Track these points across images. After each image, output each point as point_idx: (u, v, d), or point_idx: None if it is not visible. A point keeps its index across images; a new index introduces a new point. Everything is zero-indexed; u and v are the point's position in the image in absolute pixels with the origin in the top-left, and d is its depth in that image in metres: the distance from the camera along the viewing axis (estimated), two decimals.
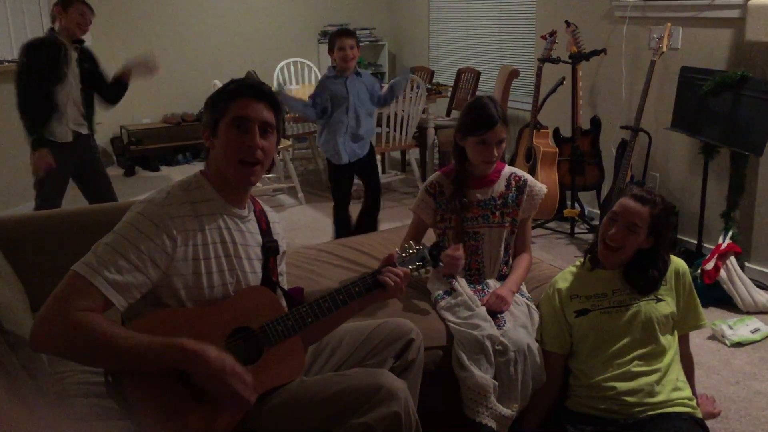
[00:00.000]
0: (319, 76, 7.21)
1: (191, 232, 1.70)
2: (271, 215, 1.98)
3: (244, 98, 1.76)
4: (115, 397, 1.68)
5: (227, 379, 1.58)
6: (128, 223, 1.65)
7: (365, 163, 4.17)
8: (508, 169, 2.57)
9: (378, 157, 5.46)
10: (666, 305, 2.21)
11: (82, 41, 4.04)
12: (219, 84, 5.51)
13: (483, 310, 2.32)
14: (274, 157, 1.85)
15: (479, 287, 2.49)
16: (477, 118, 2.42)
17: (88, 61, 4.06)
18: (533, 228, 4.75)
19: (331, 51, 3.97)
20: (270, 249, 1.90)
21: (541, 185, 2.57)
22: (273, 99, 1.80)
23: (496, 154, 2.43)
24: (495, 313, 2.33)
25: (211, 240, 1.74)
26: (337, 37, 3.91)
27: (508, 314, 2.33)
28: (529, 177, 2.57)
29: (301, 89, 6.57)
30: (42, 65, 3.76)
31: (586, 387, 2.20)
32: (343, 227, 4.27)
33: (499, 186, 2.53)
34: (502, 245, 2.53)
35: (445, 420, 2.23)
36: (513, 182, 2.54)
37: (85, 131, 4.09)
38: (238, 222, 1.82)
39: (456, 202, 2.50)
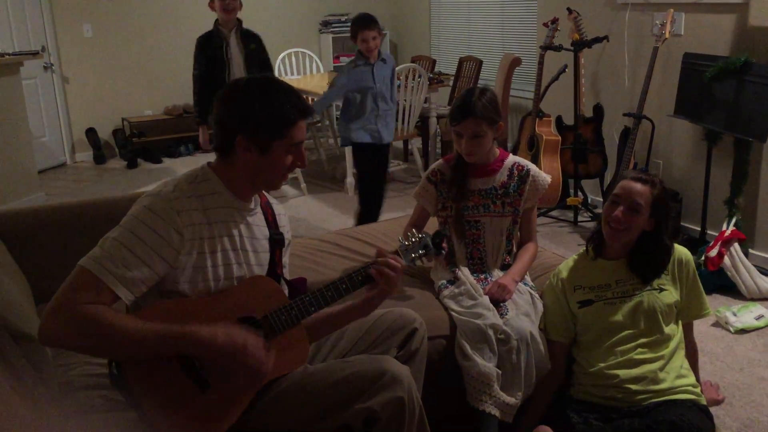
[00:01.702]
0: (320, 67, 7.23)
1: (198, 226, 1.70)
2: (277, 207, 1.98)
3: (302, 120, 1.77)
4: (120, 388, 1.69)
5: (240, 358, 1.61)
6: (135, 217, 1.65)
7: (382, 151, 4.20)
8: (511, 159, 2.55)
9: None
10: (669, 294, 2.21)
11: (240, 21, 4.22)
12: None
13: (486, 299, 2.32)
14: None
15: (482, 276, 2.49)
16: (454, 107, 2.44)
17: (252, 41, 4.23)
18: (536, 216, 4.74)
19: (353, 39, 3.95)
20: (276, 241, 1.90)
21: (545, 175, 2.55)
22: None
23: (471, 147, 2.40)
24: (498, 302, 2.33)
25: (218, 234, 1.74)
26: (359, 29, 3.87)
27: (511, 303, 2.33)
28: (532, 167, 2.55)
29: (302, 79, 6.56)
30: (208, 57, 4.12)
31: (590, 375, 2.20)
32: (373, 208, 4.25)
33: (501, 175, 2.52)
34: (504, 235, 2.52)
35: (449, 409, 2.23)
36: (516, 172, 2.52)
37: None
38: (244, 215, 1.82)
39: (454, 190, 2.50)
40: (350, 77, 4.01)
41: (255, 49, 4.24)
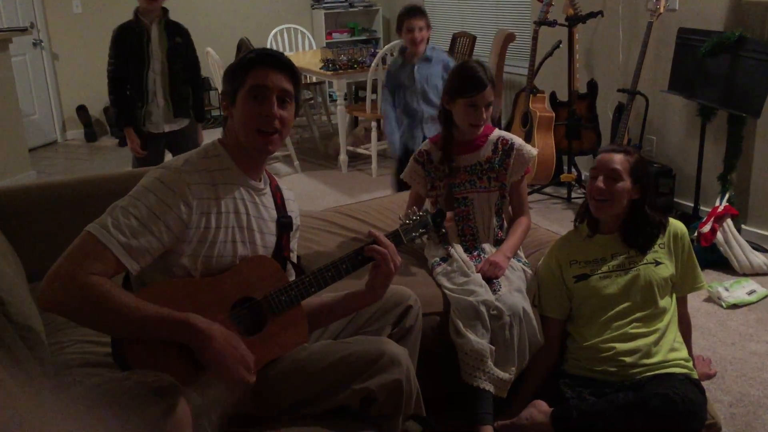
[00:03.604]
0: (313, 43, 7.17)
1: (207, 200, 1.70)
2: (287, 193, 1.97)
3: (263, 68, 1.74)
4: (120, 366, 1.69)
5: (229, 361, 1.59)
6: (145, 188, 1.65)
7: None
8: (496, 133, 2.54)
9: (374, 124, 5.44)
10: (665, 268, 2.22)
11: (166, 11, 3.72)
12: (212, 52, 5.46)
13: (479, 276, 2.33)
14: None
15: (475, 253, 2.49)
16: (466, 80, 2.41)
17: (178, 34, 3.74)
18: (530, 193, 4.73)
19: (399, 31, 3.62)
20: (284, 225, 1.89)
21: (530, 148, 2.53)
22: (292, 68, 1.79)
23: (486, 116, 2.42)
24: (490, 278, 2.33)
25: (225, 209, 1.73)
26: (405, 18, 3.55)
27: (504, 279, 2.34)
28: (517, 140, 2.53)
29: (294, 56, 6.51)
30: (125, 51, 3.64)
31: (584, 349, 2.22)
32: None
33: (486, 150, 2.51)
34: (493, 210, 2.52)
35: (443, 385, 2.24)
36: (500, 146, 2.51)
37: (177, 126, 3.85)
38: (253, 194, 1.81)
39: (443, 168, 2.50)
40: (387, 77, 3.75)
41: (180, 43, 3.74)
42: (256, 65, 1.74)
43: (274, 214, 1.87)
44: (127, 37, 3.65)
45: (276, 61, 1.76)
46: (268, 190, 1.88)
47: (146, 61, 3.66)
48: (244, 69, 1.75)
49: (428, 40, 3.69)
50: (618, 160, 2.22)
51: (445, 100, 2.48)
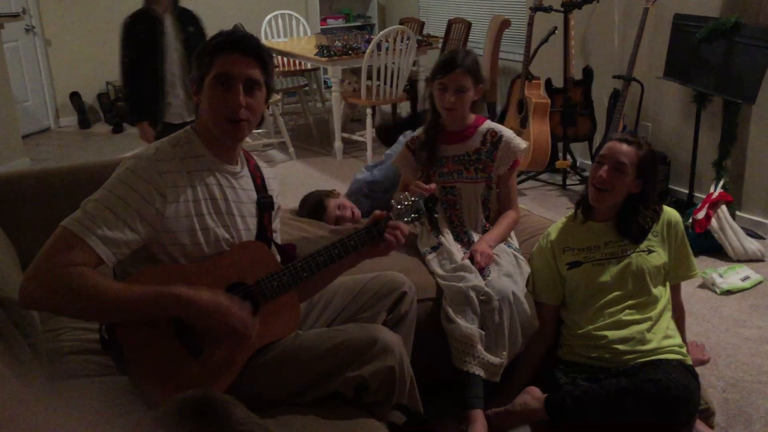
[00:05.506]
0: (308, 29, 7.13)
1: (181, 188, 1.67)
2: (266, 171, 1.94)
3: (229, 53, 1.68)
4: (111, 353, 1.68)
5: (224, 318, 1.60)
6: (117, 179, 1.63)
7: None
8: (486, 125, 2.53)
9: (369, 110, 5.42)
10: (657, 256, 2.22)
11: (177, 2, 3.56)
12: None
13: (468, 261, 2.33)
14: (263, 112, 1.80)
15: (465, 240, 2.49)
16: (439, 62, 2.42)
17: (191, 23, 3.59)
18: (525, 180, 4.74)
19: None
20: (265, 205, 1.87)
21: (519, 140, 2.51)
22: (259, 53, 1.73)
23: (453, 100, 2.39)
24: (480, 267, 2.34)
25: (202, 197, 1.71)
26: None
27: (493, 264, 2.35)
28: (506, 132, 2.51)
29: (288, 42, 6.47)
30: (138, 42, 3.46)
31: (578, 336, 2.22)
32: None
33: (474, 141, 2.50)
34: (479, 201, 2.52)
35: (439, 371, 2.25)
36: (489, 138, 2.50)
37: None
38: (230, 178, 1.79)
39: (424, 154, 2.49)
40: None
41: (194, 32, 3.58)
42: (223, 51, 1.69)
43: (254, 195, 1.85)
44: (139, 27, 3.49)
45: (242, 45, 1.70)
46: (245, 172, 1.85)
47: (162, 53, 3.51)
48: (210, 54, 1.70)
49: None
50: (627, 152, 2.18)
51: (429, 85, 2.47)
